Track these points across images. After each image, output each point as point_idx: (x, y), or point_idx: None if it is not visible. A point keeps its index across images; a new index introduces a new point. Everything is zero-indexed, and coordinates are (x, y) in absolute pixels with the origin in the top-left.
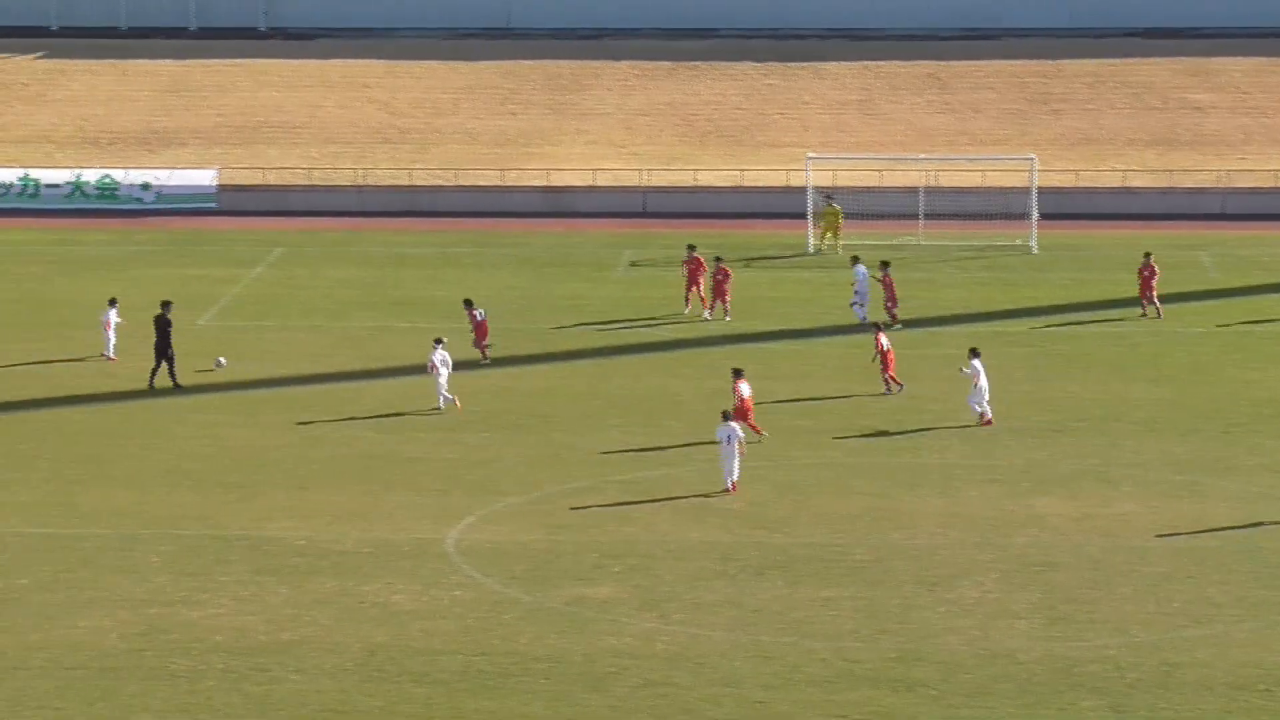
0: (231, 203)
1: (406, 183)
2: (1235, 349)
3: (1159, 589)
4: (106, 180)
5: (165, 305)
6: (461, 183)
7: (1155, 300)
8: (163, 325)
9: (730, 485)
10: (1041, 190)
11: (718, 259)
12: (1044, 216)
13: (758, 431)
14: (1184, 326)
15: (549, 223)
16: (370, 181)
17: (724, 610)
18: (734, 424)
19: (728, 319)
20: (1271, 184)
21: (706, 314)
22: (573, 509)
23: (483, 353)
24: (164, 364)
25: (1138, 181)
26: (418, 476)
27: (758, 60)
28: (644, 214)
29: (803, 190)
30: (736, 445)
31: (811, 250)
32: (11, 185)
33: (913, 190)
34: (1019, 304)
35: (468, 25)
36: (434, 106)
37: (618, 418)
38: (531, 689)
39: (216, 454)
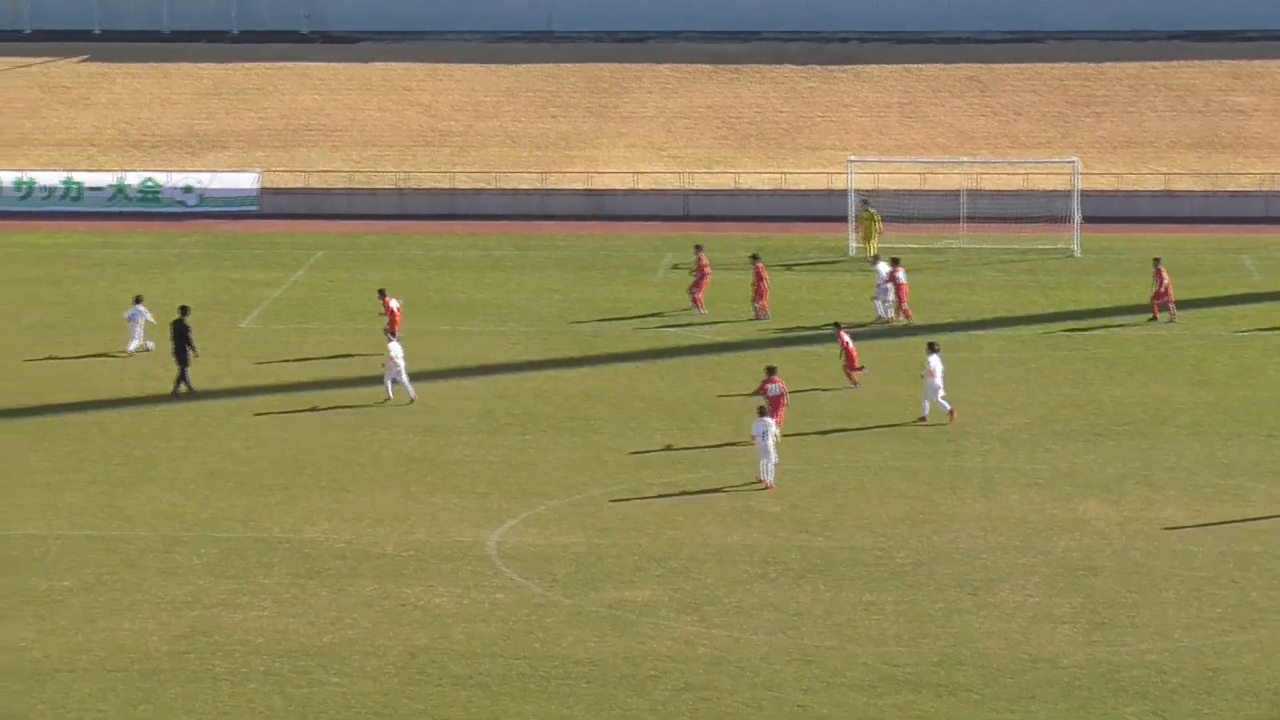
0: (273, 205)
1: (447, 185)
2: (1279, 352)
3: (1202, 593)
4: (149, 183)
5: (183, 310)
6: (502, 185)
7: (1170, 306)
8: (180, 330)
9: (766, 483)
10: (1083, 193)
11: (754, 257)
12: (1086, 219)
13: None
14: (1227, 330)
15: (590, 225)
16: (411, 184)
17: (765, 613)
18: (769, 420)
19: (767, 319)
20: None
21: (702, 312)
22: (614, 511)
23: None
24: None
25: (1180, 184)
26: (459, 479)
27: (799, 63)
28: (685, 217)
29: (844, 193)
30: (772, 442)
31: (853, 253)
32: (55, 188)
33: (954, 193)
34: (1061, 307)
35: (509, 28)
36: (475, 109)
37: (659, 420)
38: (573, 692)
39: (258, 456)
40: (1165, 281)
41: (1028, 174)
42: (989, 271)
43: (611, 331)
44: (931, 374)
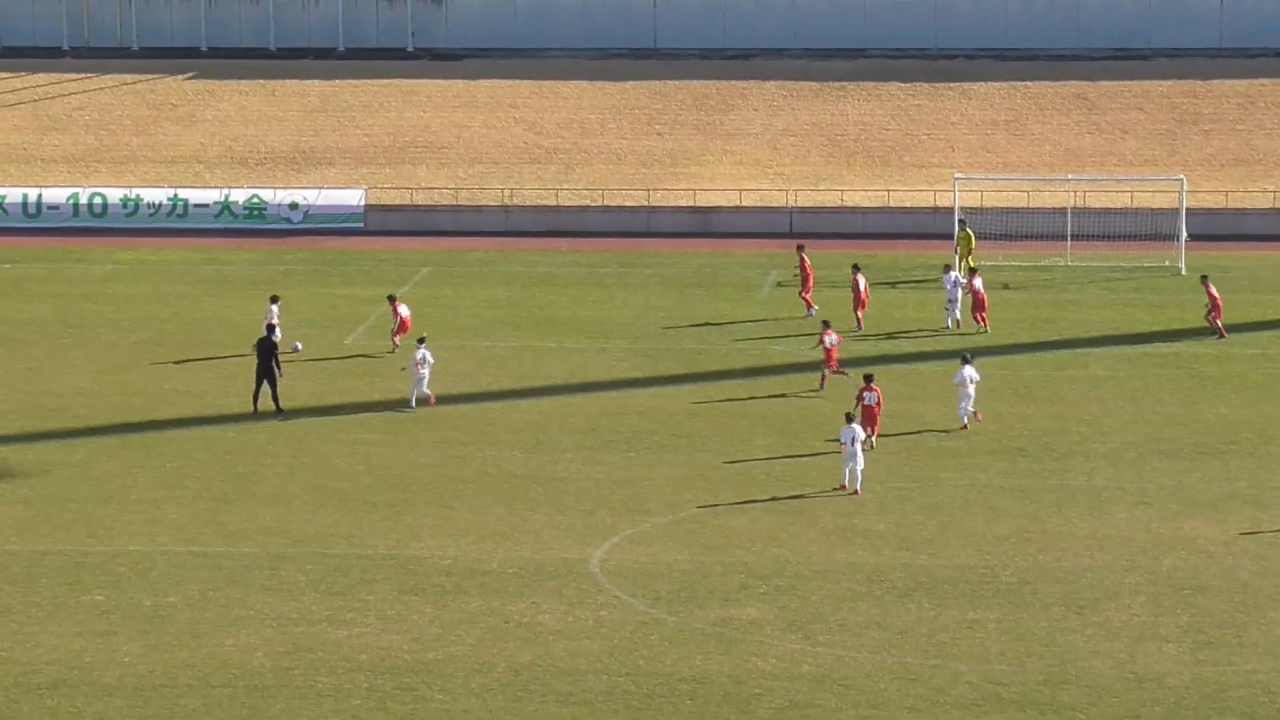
0: (378, 223)
1: (553, 203)
2: None
3: None
4: (255, 200)
5: (269, 329)
6: (607, 203)
7: (1215, 322)
8: (266, 348)
9: (852, 487)
10: (1190, 211)
11: (855, 268)
12: (1192, 237)
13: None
14: None
15: (695, 243)
16: (517, 201)
17: (869, 632)
18: (856, 426)
19: (860, 330)
20: None
21: (813, 312)
22: (718, 528)
23: (394, 340)
24: (267, 386)
25: None
26: (564, 496)
27: (905, 80)
28: (790, 234)
29: (950, 211)
30: (859, 447)
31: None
32: (161, 205)
33: (1060, 211)
34: (1167, 325)
35: (615, 45)
36: (581, 126)
37: (764, 437)
38: (677, 710)
39: (363, 473)
40: (1215, 297)
41: (1134, 192)
42: (1095, 289)
43: (716, 348)
44: (964, 384)
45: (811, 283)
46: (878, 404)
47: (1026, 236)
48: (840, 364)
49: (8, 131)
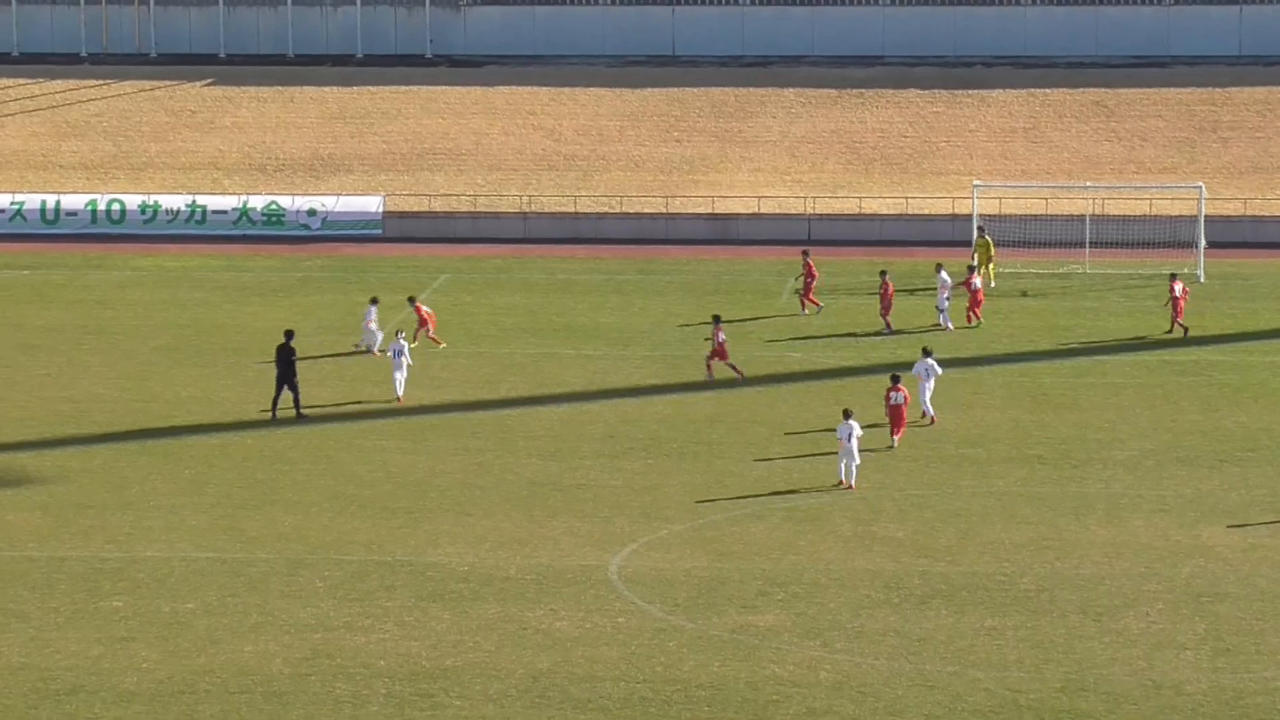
0: (397, 229)
1: (571, 210)
2: None
3: None
4: (273, 206)
5: (288, 335)
6: (626, 210)
7: (1177, 321)
8: (285, 355)
9: (848, 482)
10: (1209, 219)
11: (882, 272)
12: (1211, 245)
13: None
14: None
15: (713, 250)
16: (535, 208)
17: (887, 639)
18: (853, 421)
19: (890, 333)
20: None
21: (818, 307)
22: (736, 536)
23: (415, 339)
24: (287, 392)
25: None
26: (582, 503)
27: (923, 87)
28: (809, 241)
29: (968, 218)
30: (855, 444)
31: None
32: (179, 211)
33: (1079, 218)
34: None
35: (633, 52)
36: (599, 133)
37: (782, 445)
38: (694, 716)
39: (382, 479)
40: (1176, 298)
41: (1153, 199)
42: (1114, 296)
43: (735, 355)
44: (923, 377)
45: (813, 284)
46: (904, 404)
47: (1045, 244)
48: (726, 363)
49: (26, 138)
